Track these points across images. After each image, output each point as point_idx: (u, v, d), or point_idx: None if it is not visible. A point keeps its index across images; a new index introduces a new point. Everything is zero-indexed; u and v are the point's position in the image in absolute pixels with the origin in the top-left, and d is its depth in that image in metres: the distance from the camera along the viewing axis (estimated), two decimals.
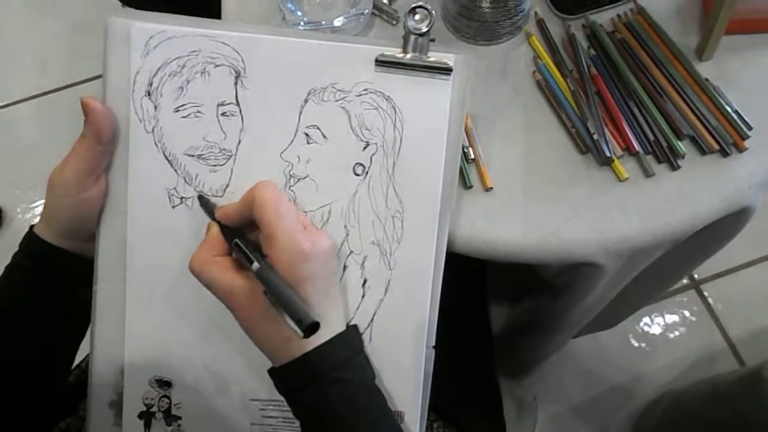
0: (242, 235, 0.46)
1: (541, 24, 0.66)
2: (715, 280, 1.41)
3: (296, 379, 0.45)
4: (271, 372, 0.46)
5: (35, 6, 1.82)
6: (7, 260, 0.51)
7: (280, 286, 0.42)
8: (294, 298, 0.42)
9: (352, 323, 0.50)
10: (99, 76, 0.47)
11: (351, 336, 0.48)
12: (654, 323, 1.38)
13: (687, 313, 1.38)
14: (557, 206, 0.59)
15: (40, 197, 1.55)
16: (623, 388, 1.32)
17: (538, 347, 0.93)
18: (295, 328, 0.42)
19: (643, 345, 1.35)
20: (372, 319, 0.50)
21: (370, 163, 0.49)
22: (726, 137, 0.59)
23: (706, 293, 1.40)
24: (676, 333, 1.37)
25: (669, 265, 0.75)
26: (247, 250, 0.44)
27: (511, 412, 0.81)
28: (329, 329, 0.45)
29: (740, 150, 0.60)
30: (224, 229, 0.47)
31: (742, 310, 1.38)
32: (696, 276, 1.41)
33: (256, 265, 0.43)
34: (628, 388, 1.31)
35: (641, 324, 1.37)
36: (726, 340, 1.35)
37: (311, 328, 0.42)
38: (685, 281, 1.41)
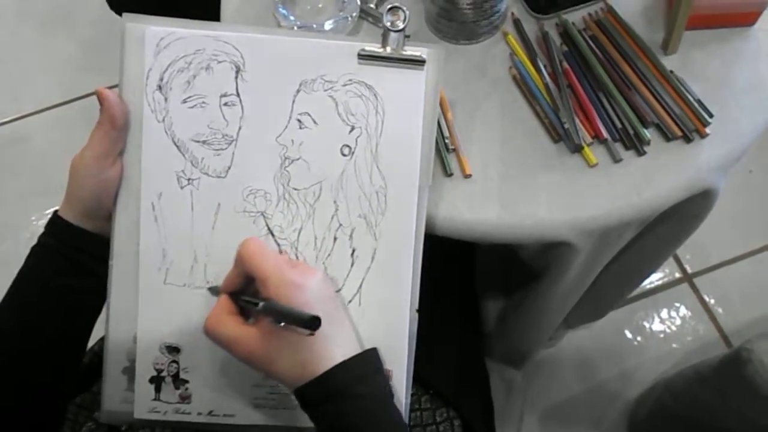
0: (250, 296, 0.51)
1: (517, 23, 0.71)
2: (708, 273, 1.44)
3: (314, 395, 0.48)
4: (295, 392, 0.49)
5: (49, 25, 1.90)
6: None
7: (280, 306, 0.47)
8: (293, 308, 0.47)
9: (342, 290, 0.55)
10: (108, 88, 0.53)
11: (365, 357, 0.51)
12: (648, 317, 1.40)
13: (680, 306, 1.41)
14: (531, 191, 0.62)
15: (52, 205, 1.60)
16: (619, 381, 1.34)
17: (526, 335, 0.97)
18: (302, 330, 0.47)
19: (638, 338, 1.38)
20: (360, 285, 0.54)
21: (356, 144, 0.54)
22: (689, 124, 0.63)
23: (699, 286, 1.43)
24: (670, 326, 1.39)
25: (646, 250, 0.79)
26: (250, 299, 0.50)
27: (500, 393, 0.85)
28: (340, 351, 0.49)
29: (702, 136, 0.63)
30: (233, 297, 0.52)
31: (734, 302, 1.41)
32: (689, 270, 1.44)
33: (261, 303, 0.48)
34: (624, 381, 1.33)
35: (635, 318, 1.40)
36: (719, 332, 1.38)
37: (313, 323, 0.46)
38: (677, 275, 1.44)
